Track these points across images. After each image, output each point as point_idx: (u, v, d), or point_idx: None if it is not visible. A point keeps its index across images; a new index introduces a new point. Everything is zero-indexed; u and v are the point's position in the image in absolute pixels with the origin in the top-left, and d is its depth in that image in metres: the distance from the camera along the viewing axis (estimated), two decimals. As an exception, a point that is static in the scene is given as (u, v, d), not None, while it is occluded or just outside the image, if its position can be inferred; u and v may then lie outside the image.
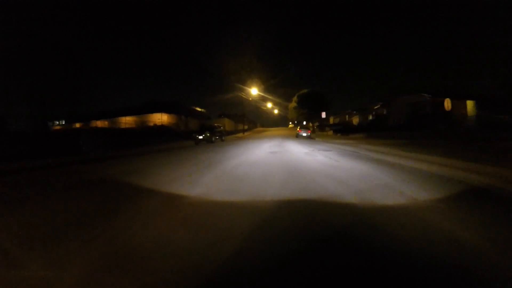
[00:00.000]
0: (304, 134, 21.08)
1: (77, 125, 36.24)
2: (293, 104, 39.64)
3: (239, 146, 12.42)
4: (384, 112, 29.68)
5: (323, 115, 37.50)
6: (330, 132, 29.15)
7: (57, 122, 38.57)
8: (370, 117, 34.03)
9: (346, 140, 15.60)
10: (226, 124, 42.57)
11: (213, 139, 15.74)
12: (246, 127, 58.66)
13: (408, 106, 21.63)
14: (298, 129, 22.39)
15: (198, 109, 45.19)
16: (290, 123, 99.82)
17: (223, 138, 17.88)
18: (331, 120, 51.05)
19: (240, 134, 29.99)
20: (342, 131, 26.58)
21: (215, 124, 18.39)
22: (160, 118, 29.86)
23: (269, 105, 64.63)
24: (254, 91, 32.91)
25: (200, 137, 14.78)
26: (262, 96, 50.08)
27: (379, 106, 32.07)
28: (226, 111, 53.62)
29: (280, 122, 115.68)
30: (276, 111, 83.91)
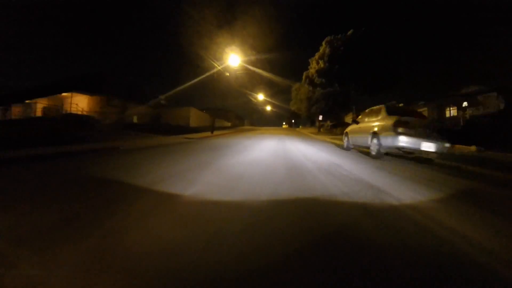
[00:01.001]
0: (432, 149, 5.14)
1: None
2: (312, 69, 20.58)
3: None
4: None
5: None
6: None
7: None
8: (454, 112, 18.53)
9: None
10: (192, 116, 25.84)
11: None
12: (229, 124, 42.01)
13: None
14: (385, 125, 5.36)
15: (161, 97, 28.91)
16: (284, 123, 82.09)
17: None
18: (348, 119, 35.21)
19: (206, 134, 13.60)
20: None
21: None
22: (74, 101, 19.49)
23: (261, 96, 48.13)
24: (234, 59, 16.45)
25: None
26: (249, 77, 33.75)
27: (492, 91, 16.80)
28: (212, 105, 36.97)
29: (273, 121, 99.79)
30: (268, 108, 68.10)
